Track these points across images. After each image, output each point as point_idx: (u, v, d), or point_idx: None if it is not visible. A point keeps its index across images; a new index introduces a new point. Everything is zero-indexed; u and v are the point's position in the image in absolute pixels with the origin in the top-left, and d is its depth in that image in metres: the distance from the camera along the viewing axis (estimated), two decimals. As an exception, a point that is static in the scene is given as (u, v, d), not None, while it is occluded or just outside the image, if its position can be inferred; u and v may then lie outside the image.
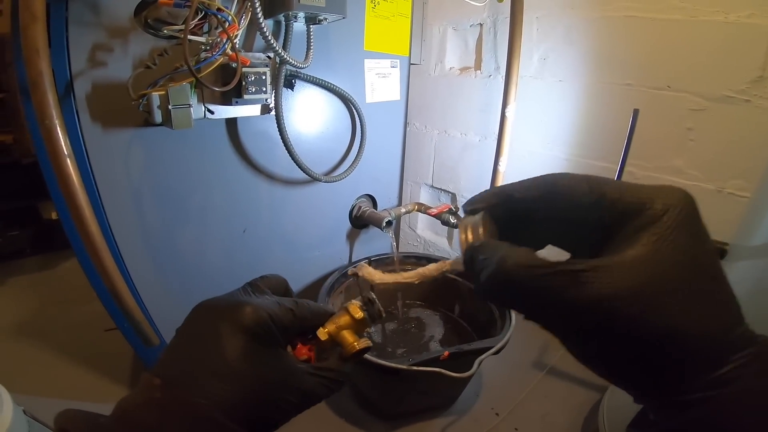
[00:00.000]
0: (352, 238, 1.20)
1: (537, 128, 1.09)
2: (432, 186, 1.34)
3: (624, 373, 0.25)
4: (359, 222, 1.18)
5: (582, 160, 1.05)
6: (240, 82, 0.69)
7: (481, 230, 0.28)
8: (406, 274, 0.48)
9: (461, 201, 1.29)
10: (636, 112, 0.68)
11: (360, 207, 1.17)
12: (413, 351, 1.03)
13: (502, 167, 1.01)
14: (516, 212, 0.28)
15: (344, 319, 0.36)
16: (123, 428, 0.27)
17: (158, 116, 0.63)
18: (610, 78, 0.96)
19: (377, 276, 0.53)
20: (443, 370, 0.78)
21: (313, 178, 0.94)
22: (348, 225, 1.18)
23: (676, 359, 0.22)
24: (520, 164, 1.12)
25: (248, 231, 0.94)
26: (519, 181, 0.28)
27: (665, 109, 0.89)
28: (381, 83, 1.12)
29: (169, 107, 0.63)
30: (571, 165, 1.07)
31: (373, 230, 1.22)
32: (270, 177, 0.93)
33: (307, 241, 1.09)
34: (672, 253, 0.23)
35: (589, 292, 0.22)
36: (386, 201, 1.24)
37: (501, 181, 1.04)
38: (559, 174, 0.27)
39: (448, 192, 1.31)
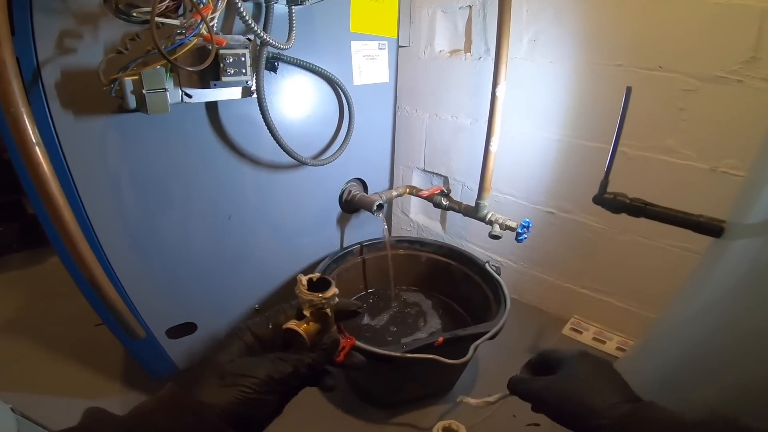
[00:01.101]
0: (342, 222, 1.19)
1: (528, 110, 1.08)
2: (424, 170, 1.32)
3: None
4: (350, 206, 1.16)
5: (574, 141, 1.03)
6: (218, 64, 0.66)
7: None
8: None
9: (454, 184, 1.27)
10: (629, 90, 0.67)
11: (350, 191, 1.15)
12: (407, 337, 1.03)
13: (493, 147, 1.00)
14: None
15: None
16: (134, 422, 0.33)
17: (132, 101, 0.61)
18: (600, 59, 0.95)
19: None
20: (438, 357, 0.77)
21: (300, 162, 0.92)
22: (338, 210, 1.16)
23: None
24: (512, 145, 1.11)
25: (234, 217, 0.92)
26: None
27: (657, 89, 0.88)
28: (369, 65, 1.09)
29: (144, 92, 0.60)
30: (563, 146, 1.05)
31: (365, 215, 1.21)
32: (255, 162, 0.91)
33: (295, 226, 1.07)
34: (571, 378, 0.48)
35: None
36: (377, 185, 1.23)
37: (493, 162, 1.02)
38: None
39: (441, 175, 1.29)
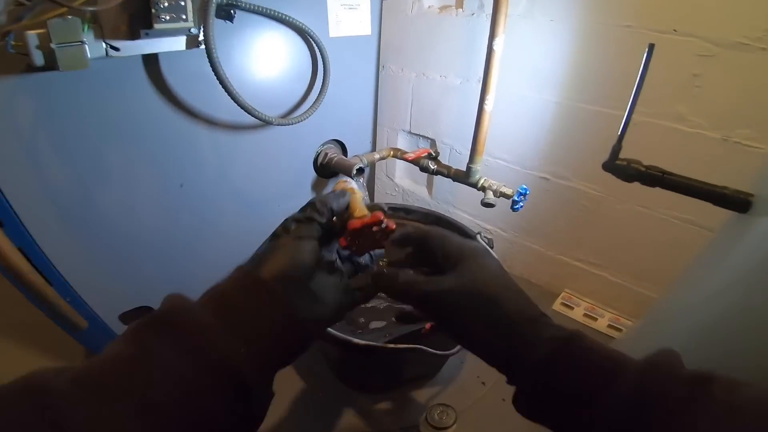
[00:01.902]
0: (318, 188, 1.09)
1: (525, 70, 0.97)
2: (410, 132, 1.21)
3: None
4: (326, 170, 1.06)
5: (574, 104, 0.93)
6: (149, 9, 0.54)
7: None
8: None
9: (441, 147, 1.16)
10: (651, 48, 0.56)
11: (326, 154, 1.04)
12: (391, 322, 0.94)
13: (488, 107, 0.89)
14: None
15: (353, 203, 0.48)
16: (208, 298, 0.37)
17: (39, 58, 0.49)
18: (607, 18, 0.84)
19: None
20: (424, 348, 0.70)
21: (264, 122, 0.80)
22: (313, 174, 1.06)
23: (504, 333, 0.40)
24: (508, 108, 1.00)
25: (187, 185, 0.81)
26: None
27: (669, 53, 0.78)
28: (348, 15, 0.96)
29: (52, 46, 0.48)
30: (561, 109, 0.95)
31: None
32: (211, 122, 0.80)
33: (263, 194, 0.97)
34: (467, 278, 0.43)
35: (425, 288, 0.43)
36: (358, 147, 1.12)
37: (488, 123, 0.92)
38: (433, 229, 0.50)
39: (428, 138, 1.18)
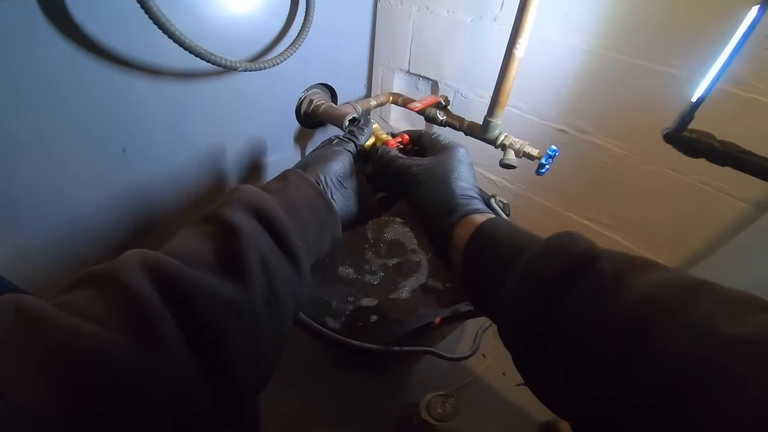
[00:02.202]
0: (303, 140, 0.95)
1: (553, 11, 0.80)
2: (408, 72, 1.03)
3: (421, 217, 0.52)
4: (311, 120, 0.92)
5: (608, 54, 0.78)
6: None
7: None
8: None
9: (444, 90, 1.00)
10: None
11: (312, 101, 0.89)
12: (389, 304, 0.85)
13: (519, 52, 0.73)
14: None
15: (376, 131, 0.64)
16: (278, 195, 0.44)
17: None
18: None
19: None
20: (437, 352, 0.63)
21: (225, 68, 0.64)
22: (296, 125, 0.91)
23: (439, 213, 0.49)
24: (529, 51, 0.83)
25: (131, 150, 0.68)
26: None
27: None
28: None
29: None
30: (592, 58, 0.80)
31: (333, 129, 0.96)
32: (152, 71, 0.64)
33: (233, 151, 0.84)
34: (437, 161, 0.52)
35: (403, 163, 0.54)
36: (350, 91, 0.96)
37: (515, 71, 0.76)
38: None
39: (428, 79, 1.01)
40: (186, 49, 0.57)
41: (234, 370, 0.32)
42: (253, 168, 0.88)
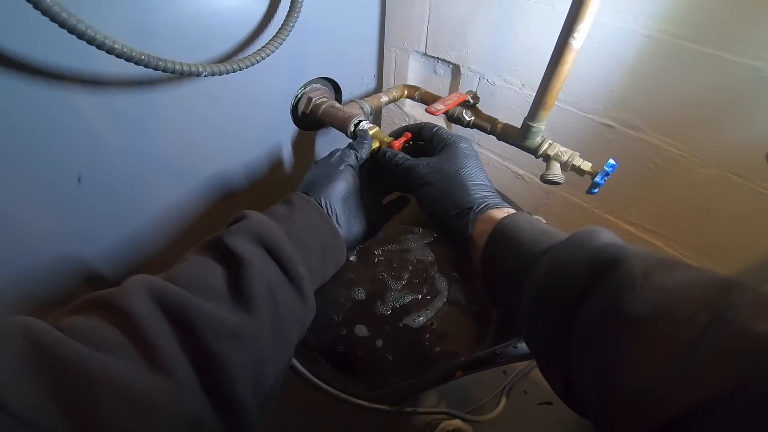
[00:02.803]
0: (301, 146, 0.82)
1: None
2: (425, 54, 0.87)
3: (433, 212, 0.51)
4: (310, 121, 0.78)
5: (673, 41, 0.63)
6: None
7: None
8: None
9: (468, 75, 0.85)
10: None
11: (310, 99, 0.75)
12: (401, 342, 0.73)
13: (577, 42, 0.56)
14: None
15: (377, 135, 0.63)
16: (285, 222, 0.45)
17: None
18: None
19: None
20: (457, 413, 0.56)
21: (181, 74, 0.49)
22: (292, 128, 0.78)
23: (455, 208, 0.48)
24: None
25: (87, 178, 0.57)
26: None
27: None
28: None
29: None
30: (652, 44, 0.65)
31: (336, 130, 0.83)
32: (91, 82, 0.51)
33: (215, 168, 0.71)
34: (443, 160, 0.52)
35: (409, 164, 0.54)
36: (357, 84, 0.82)
37: (569, 66, 0.60)
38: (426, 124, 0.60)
39: (449, 62, 0.85)
40: (111, 53, 0.43)
41: (237, 394, 0.32)
42: (244, 184, 0.76)
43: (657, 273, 0.30)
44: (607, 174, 0.65)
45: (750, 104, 0.60)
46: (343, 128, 0.70)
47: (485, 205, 0.47)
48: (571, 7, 0.54)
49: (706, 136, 0.68)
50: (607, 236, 0.36)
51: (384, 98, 0.76)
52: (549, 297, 0.35)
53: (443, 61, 0.86)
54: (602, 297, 0.31)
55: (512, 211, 0.47)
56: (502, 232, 0.43)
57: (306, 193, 0.51)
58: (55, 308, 0.58)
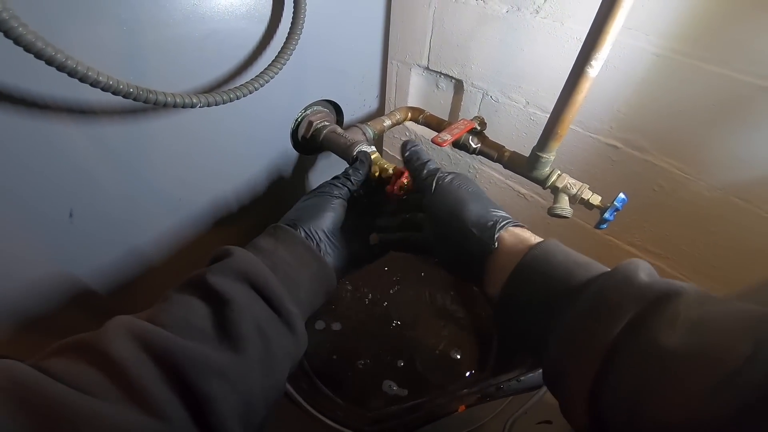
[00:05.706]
0: (302, 171, 0.79)
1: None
2: (427, 68, 0.85)
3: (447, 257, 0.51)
4: (311, 145, 0.76)
5: (684, 60, 0.61)
6: None
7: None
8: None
9: (471, 91, 0.83)
10: None
11: (311, 123, 0.73)
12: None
13: (593, 70, 0.53)
14: None
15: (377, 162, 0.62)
16: (269, 258, 0.44)
17: None
18: None
19: None
20: None
21: (173, 106, 0.47)
22: (293, 153, 0.75)
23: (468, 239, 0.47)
24: (576, 48, 0.66)
25: (80, 214, 0.54)
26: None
27: None
28: None
29: None
30: (662, 63, 0.64)
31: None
32: (79, 111, 0.48)
33: (213, 200, 0.69)
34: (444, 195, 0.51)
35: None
36: (359, 106, 0.79)
37: (584, 94, 0.58)
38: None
39: (451, 77, 0.83)
40: (96, 86, 0.40)
41: (228, 430, 0.32)
42: (242, 211, 0.73)
43: (701, 308, 0.31)
44: (617, 209, 0.63)
45: (758, 127, 0.59)
46: (345, 156, 0.68)
47: (508, 222, 0.47)
48: (589, 32, 0.52)
49: (712, 158, 0.67)
50: (648, 270, 0.36)
51: (387, 122, 0.74)
52: (592, 332, 0.34)
53: (446, 76, 0.84)
54: (651, 334, 0.31)
55: (538, 238, 0.46)
56: (533, 258, 0.41)
57: (293, 223, 0.50)
58: (44, 324, 0.56)
